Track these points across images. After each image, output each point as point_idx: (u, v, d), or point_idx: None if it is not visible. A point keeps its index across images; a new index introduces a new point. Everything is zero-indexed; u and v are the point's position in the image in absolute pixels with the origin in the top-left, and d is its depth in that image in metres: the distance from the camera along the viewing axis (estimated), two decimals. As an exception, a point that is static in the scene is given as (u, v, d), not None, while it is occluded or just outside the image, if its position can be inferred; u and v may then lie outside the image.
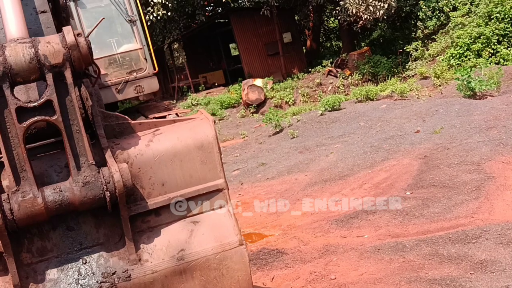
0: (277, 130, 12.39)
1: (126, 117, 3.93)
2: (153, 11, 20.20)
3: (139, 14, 11.49)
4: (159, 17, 20.45)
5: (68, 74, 3.38)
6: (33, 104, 3.26)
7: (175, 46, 28.82)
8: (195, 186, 3.80)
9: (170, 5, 20.35)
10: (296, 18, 25.30)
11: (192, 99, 19.80)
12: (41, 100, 3.50)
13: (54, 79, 3.40)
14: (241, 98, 17.68)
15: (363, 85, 16.52)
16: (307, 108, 14.62)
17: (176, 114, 11.60)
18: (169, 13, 20.94)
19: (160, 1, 19.93)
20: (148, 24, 21.64)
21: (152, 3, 20.04)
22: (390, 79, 16.63)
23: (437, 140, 8.50)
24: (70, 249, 3.58)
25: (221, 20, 25.62)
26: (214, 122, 4.32)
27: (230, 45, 29.01)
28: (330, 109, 12.50)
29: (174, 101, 20.36)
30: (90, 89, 3.80)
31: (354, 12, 17.07)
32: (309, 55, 25.44)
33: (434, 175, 7.03)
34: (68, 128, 3.45)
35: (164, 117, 11.16)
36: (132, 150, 3.74)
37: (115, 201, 3.45)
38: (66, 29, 3.41)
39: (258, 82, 18.47)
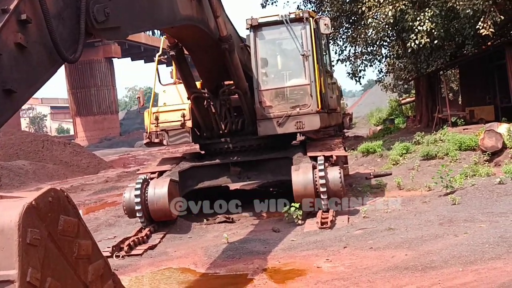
0: (448, 191, 10.76)
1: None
2: (416, 39, 19.27)
3: (313, 50, 11.08)
4: (421, 45, 19.42)
5: None
6: None
7: (442, 74, 27.00)
8: (-13, 271, 3.57)
9: (436, 33, 19.16)
10: None
11: (441, 133, 18.50)
12: None
13: None
14: (485, 142, 15.73)
15: None
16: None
17: (330, 156, 10.86)
18: (435, 41, 19.77)
19: (425, 29, 18.91)
20: (409, 51, 20.91)
21: (416, 30, 19.15)
22: None
23: None
24: None
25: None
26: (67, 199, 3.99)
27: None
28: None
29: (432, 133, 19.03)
30: None
31: None
32: None
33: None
34: None
35: (316, 158, 10.60)
36: None
37: None
38: None
39: (503, 127, 16.18)
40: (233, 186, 13.92)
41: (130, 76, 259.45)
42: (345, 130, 34.17)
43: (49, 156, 28.96)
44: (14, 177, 24.56)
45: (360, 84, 42.73)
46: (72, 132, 68.07)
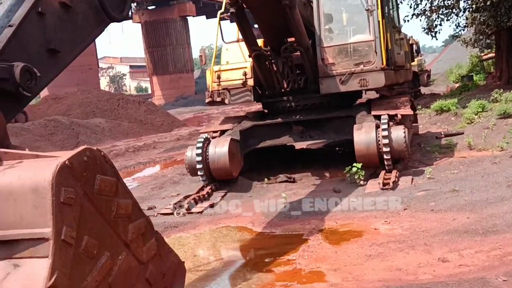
0: (526, 152, 10.23)
1: (-6, 144, 3.97)
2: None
3: (377, 4, 10.62)
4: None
5: None
6: None
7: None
8: (24, 229, 3.66)
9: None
10: None
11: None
12: None
13: None
14: None
15: None
16: None
17: (395, 115, 10.49)
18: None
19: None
20: (488, 3, 19.83)
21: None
22: None
23: None
24: None
25: None
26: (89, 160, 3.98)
27: None
28: None
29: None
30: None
31: None
32: None
33: None
34: None
35: (380, 117, 10.27)
36: (-23, 180, 3.79)
37: None
38: None
39: None
40: (299, 145, 13.77)
41: (205, 34, 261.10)
42: (421, 87, 33.23)
43: (124, 114, 29.73)
44: (91, 134, 25.40)
45: (437, 39, 40.94)
46: (150, 91, 69.52)
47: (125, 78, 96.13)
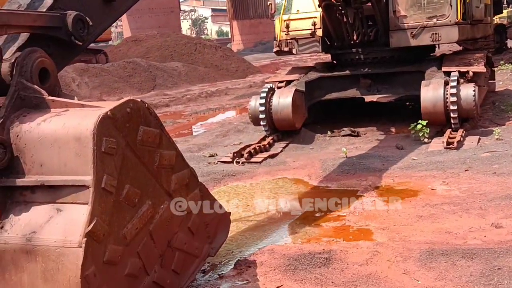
0: None
1: (43, 91, 4.14)
2: None
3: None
4: None
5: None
6: None
7: None
8: (67, 175, 3.85)
9: None
10: None
11: None
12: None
13: None
14: None
15: None
16: None
17: (466, 72, 10.03)
18: None
19: None
20: None
21: None
22: None
23: None
24: None
25: None
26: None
27: None
28: None
29: None
30: (19, 59, 4.12)
31: None
32: None
33: None
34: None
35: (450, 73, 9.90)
36: (25, 125, 4.02)
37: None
38: None
39: None
40: (369, 98, 13.53)
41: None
42: (508, 41, 31.55)
43: (201, 59, 30.00)
44: (168, 78, 25.86)
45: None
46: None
47: (207, 22, 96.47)
